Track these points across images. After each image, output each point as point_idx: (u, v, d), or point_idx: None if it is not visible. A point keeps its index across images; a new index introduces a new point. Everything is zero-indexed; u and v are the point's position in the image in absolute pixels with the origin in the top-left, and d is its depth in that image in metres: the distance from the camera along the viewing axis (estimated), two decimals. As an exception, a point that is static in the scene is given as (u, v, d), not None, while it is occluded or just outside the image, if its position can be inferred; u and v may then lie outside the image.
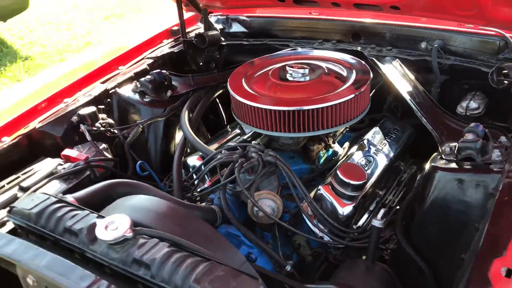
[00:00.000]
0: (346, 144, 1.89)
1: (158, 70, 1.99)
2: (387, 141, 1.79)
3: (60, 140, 1.79)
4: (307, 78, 1.69)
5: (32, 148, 1.73)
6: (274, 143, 1.79)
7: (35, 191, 1.48)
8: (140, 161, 1.72)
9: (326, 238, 1.47)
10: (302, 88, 1.65)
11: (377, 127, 1.83)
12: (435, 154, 1.46)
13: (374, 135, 1.79)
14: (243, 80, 1.75)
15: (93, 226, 1.12)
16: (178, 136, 2.01)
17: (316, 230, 1.49)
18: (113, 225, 1.09)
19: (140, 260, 1.02)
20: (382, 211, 1.38)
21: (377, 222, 1.38)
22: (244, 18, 2.46)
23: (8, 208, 1.29)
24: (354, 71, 1.70)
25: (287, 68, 1.71)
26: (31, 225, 1.19)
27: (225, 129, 2.08)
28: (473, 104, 1.85)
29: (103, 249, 1.08)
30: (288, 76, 1.71)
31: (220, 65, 2.45)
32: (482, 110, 1.83)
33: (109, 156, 1.79)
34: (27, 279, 1.03)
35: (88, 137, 1.79)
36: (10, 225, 1.36)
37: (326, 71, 1.72)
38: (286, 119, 1.55)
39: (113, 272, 1.06)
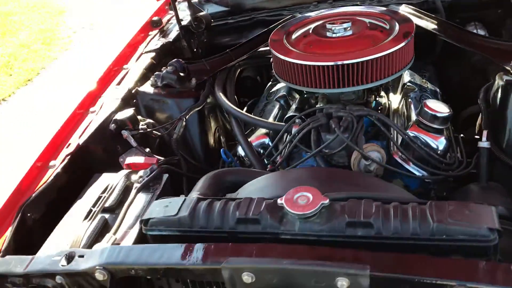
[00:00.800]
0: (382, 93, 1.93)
1: (176, 60, 1.84)
2: (426, 79, 1.86)
3: (104, 152, 1.58)
4: (350, 32, 1.68)
5: (81, 166, 1.51)
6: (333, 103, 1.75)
7: (128, 207, 1.30)
8: (223, 148, 1.59)
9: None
10: (353, 41, 1.63)
11: (408, 70, 1.89)
12: (500, 73, 1.56)
13: (413, 76, 1.85)
14: (286, 44, 1.68)
15: (273, 207, 1.03)
16: (212, 123, 1.90)
17: (415, 171, 1.51)
18: (302, 197, 1.01)
19: (356, 221, 0.95)
20: (485, 133, 1.44)
21: (485, 143, 1.44)
22: None
23: (138, 221, 1.15)
24: (394, 20, 1.71)
25: (328, 25, 1.69)
26: (186, 229, 1.05)
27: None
28: (481, 32, 2.01)
29: (301, 225, 0.99)
30: (329, 33, 1.68)
31: (206, 50, 2.33)
32: None
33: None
34: (243, 277, 0.90)
35: (134, 143, 1.60)
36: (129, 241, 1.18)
37: (369, 24, 1.72)
38: (350, 72, 1.52)
39: (320, 243, 0.98)
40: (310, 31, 1.74)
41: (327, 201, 0.98)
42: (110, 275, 1.01)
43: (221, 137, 1.95)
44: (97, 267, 1.01)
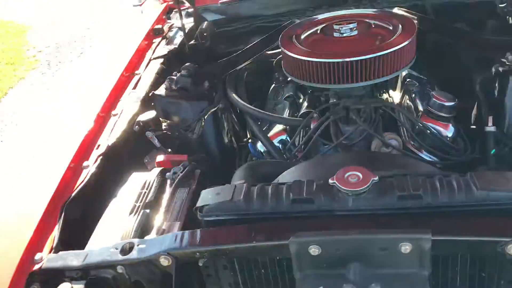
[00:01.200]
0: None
1: (189, 63, 1.90)
2: (422, 74, 2.00)
3: (129, 152, 1.62)
4: (356, 32, 1.79)
5: (111, 167, 1.54)
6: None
7: (170, 200, 1.35)
8: (250, 142, 1.65)
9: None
10: (360, 40, 1.74)
11: None
12: (496, 65, 1.70)
13: (411, 73, 1.98)
14: (296, 43, 1.77)
15: (325, 186, 1.10)
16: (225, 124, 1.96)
17: (427, 158, 1.62)
18: (352, 176, 1.09)
19: (407, 194, 1.04)
20: (491, 118, 1.57)
21: (491, 128, 1.57)
22: (218, 5, 2.44)
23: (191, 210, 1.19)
24: (396, 20, 1.82)
25: (335, 26, 1.79)
26: (242, 213, 1.11)
27: None
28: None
29: (354, 201, 1.07)
30: (336, 33, 1.78)
31: (206, 57, 2.39)
32: None
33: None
34: (310, 250, 0.97)
35: (158, 144, 1.65)
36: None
37: (373, 25, 1.84)
38: (362, 68, 1.62)
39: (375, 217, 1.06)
40: (318, 32, 1.84)
41: (377, 178, 1.06)
42: (175, 260, 1.05)
43: (232, 137, 2.01)
44: (161, 254, 1.05)
